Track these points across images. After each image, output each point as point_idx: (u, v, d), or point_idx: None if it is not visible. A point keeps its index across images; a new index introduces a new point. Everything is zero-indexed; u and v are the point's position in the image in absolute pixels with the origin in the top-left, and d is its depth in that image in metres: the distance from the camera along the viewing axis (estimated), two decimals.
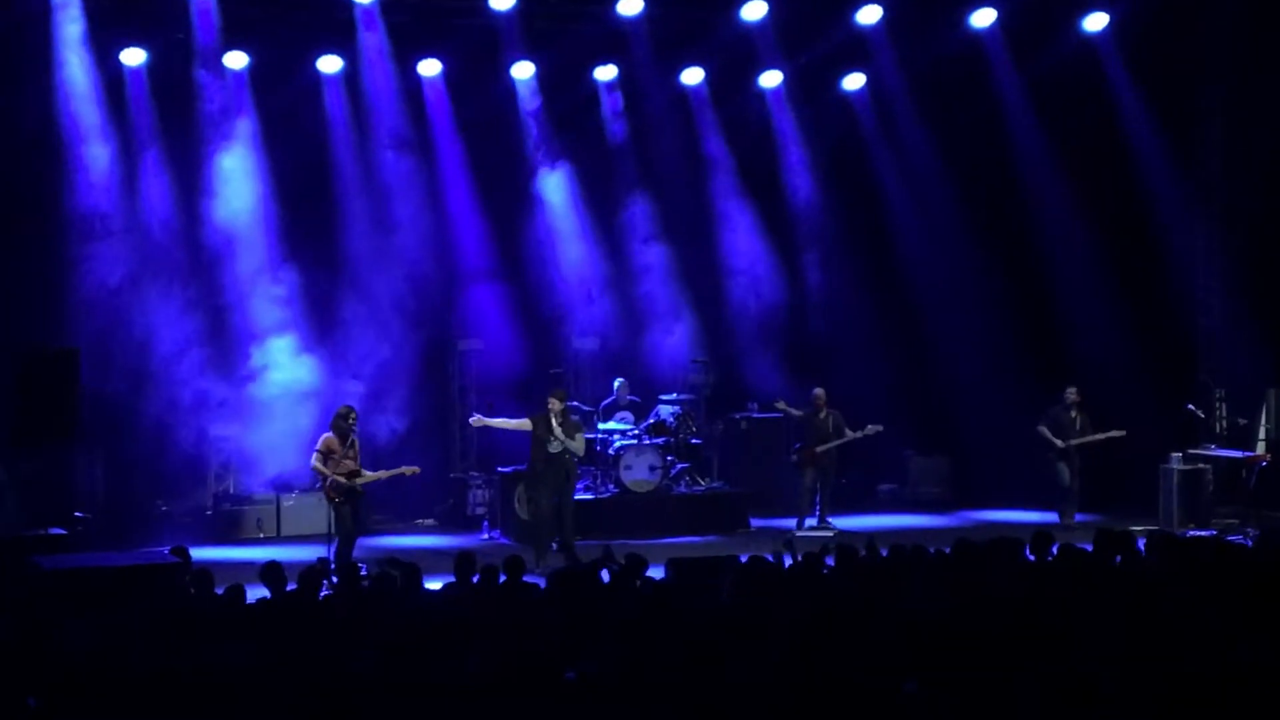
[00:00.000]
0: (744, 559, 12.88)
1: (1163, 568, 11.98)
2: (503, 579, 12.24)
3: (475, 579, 12.25)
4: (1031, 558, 12.87)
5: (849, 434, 21.36)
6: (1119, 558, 12.62)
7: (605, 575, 12.90)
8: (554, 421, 18.84)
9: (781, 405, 21.91)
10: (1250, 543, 15.73)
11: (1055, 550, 12.96)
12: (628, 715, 8.54)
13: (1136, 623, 9.63)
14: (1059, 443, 21.25)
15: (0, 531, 17.96)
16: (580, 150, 23.08)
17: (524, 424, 19.16)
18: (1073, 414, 21.44)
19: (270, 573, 12.21)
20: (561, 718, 8.37)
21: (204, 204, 20.99)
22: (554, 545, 18.84)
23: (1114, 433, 21.28)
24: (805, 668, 8.96)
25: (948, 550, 12.86)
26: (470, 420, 20.26)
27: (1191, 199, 23.50)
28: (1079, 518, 21.02)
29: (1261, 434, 22.09)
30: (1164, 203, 23.41)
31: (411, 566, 12.30)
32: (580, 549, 18.14)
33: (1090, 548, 13.06)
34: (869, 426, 21.39)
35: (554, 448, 18.83)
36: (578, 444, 19.15)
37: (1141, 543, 13.58)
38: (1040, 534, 13.11)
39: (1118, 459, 21.60)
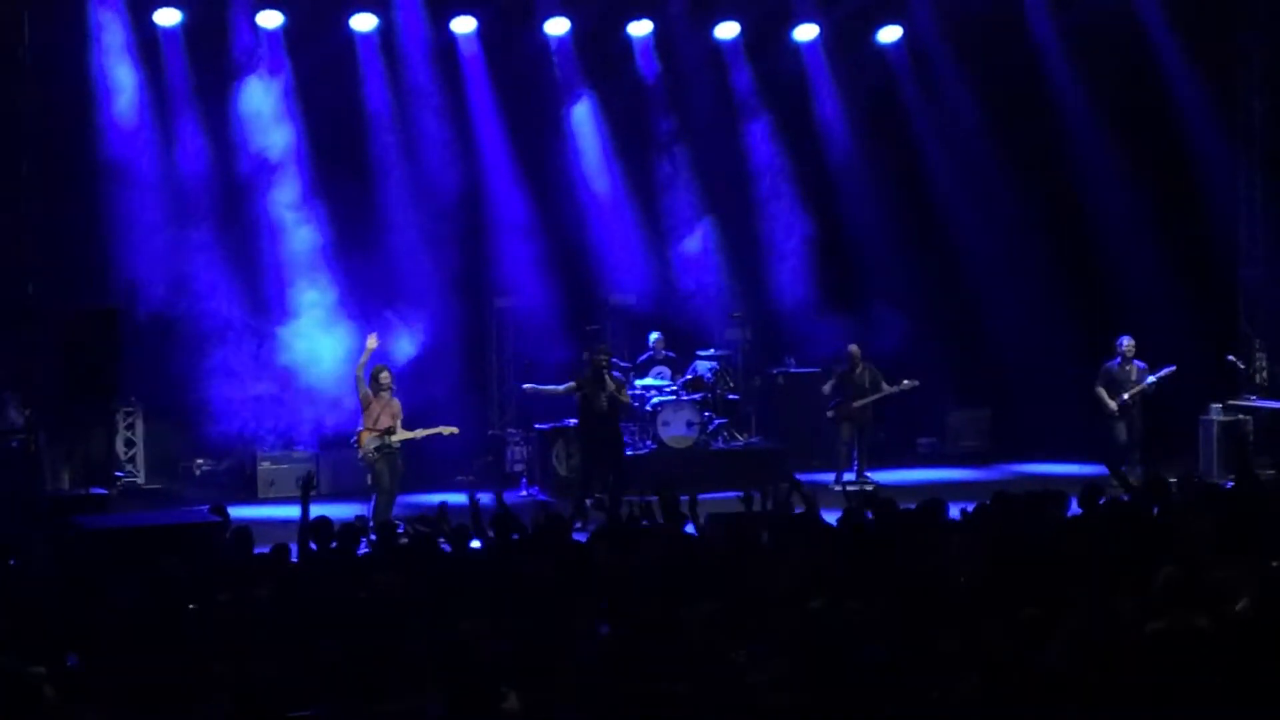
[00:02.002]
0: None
1: (1202, 517, 11.92)
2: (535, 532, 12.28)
3: (515, 536, 12.30)
4: (1079, 510, 12.81)
5: (885, 388, 21.32)
6: (1156, 508, 12.58)
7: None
8: (606, 379, 18.90)
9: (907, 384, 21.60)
10: None
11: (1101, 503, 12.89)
12: (665, 671, 8.55)
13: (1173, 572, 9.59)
14: (1112, 405, 20.24)
15: (41, 493, 18.12)
16: (615, 106, 23.01)
17: (571, 388, 19.18)
18: (1127, 367, 20.44)
19: (319, 528, 12.27)
20: (598, 673, 8.39)
21: (238, 161, 21.05)
22: (589, 502, 18.86)
23: (1165, 371, 20.36)
24: (841, 618, 8.97)
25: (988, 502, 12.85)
26: (524, 387, 20.29)
27: (1233, 146, 23.32)
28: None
29: None
30: (1205, 150, 23.26)
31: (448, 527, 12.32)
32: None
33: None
34: (905, 381, 21.33)
35: (604, 405, 18.88)
36: (624, 399, 19.23)
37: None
38: (1090, 487, 13.01)
39: (1158, 410, 21.27)
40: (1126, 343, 20.46)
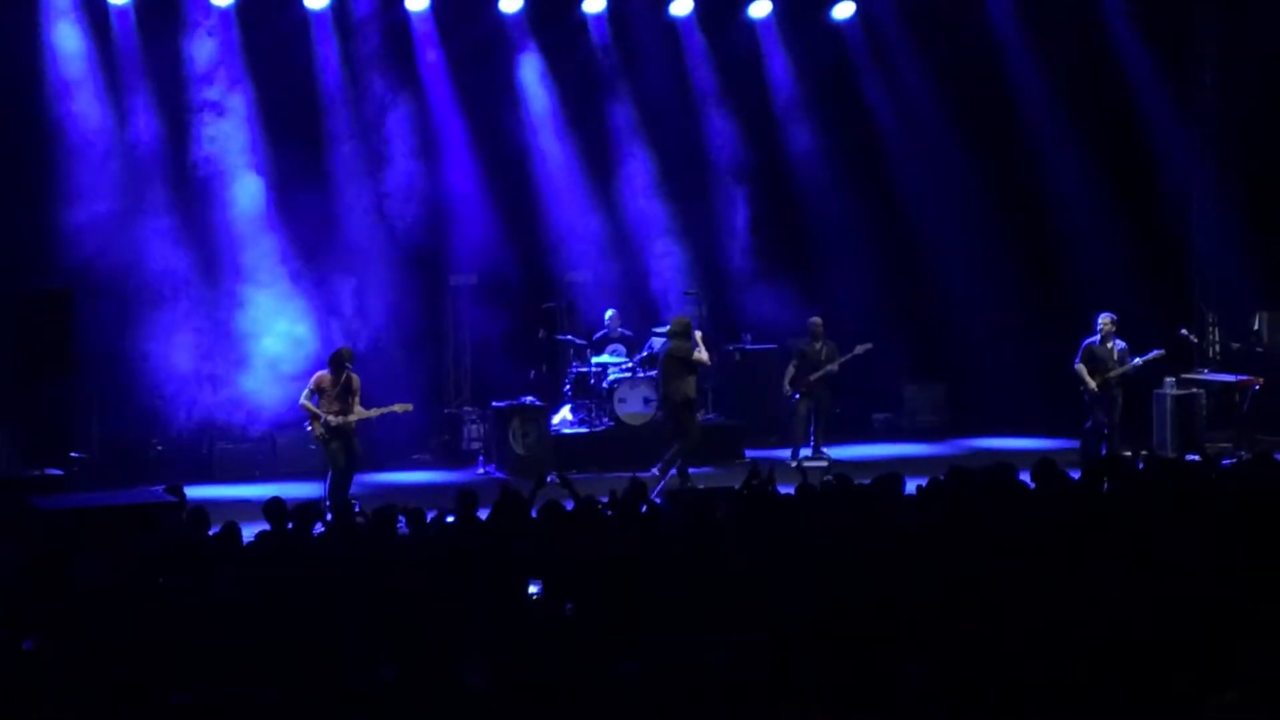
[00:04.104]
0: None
1: (1154, 492, 12.01)
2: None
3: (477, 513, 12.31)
4: (1032, 485, 12.84)
5: (838, 362, 21.17)
6: (1106, 483, 12.63)
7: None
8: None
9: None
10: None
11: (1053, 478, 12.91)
12: (624, 645, 8.58)
13: (1124, 547, 9.68)
14: (1092, 384, 19.51)
15: None
16: (569, 83, 22.99)
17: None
18: (1109, 345, 19.64)
19: (272, 508, 12.24)
20: (560, 650, 8.41)
21: (192, 139, 20.96)
22: (550, 478, 18.82)
23: (1153, 354, 19.66)
24: (805, 593, 9.02)
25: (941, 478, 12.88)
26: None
27: (1185, 120, 23.47)
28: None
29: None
30: (1158, 124, 23.40)
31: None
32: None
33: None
34: (858, 346, 21.18)
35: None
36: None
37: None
38: (1043, 462, 13.01)
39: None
40: (1105, 320, 19.70)
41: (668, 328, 19.17)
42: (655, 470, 18.56)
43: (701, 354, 18.82)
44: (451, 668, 7.93)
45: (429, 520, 12.02)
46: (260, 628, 9.06)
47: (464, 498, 12.35)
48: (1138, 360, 19.65)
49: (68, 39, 20.50)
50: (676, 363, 18.72)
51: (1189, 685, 7.68)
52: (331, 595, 9.57)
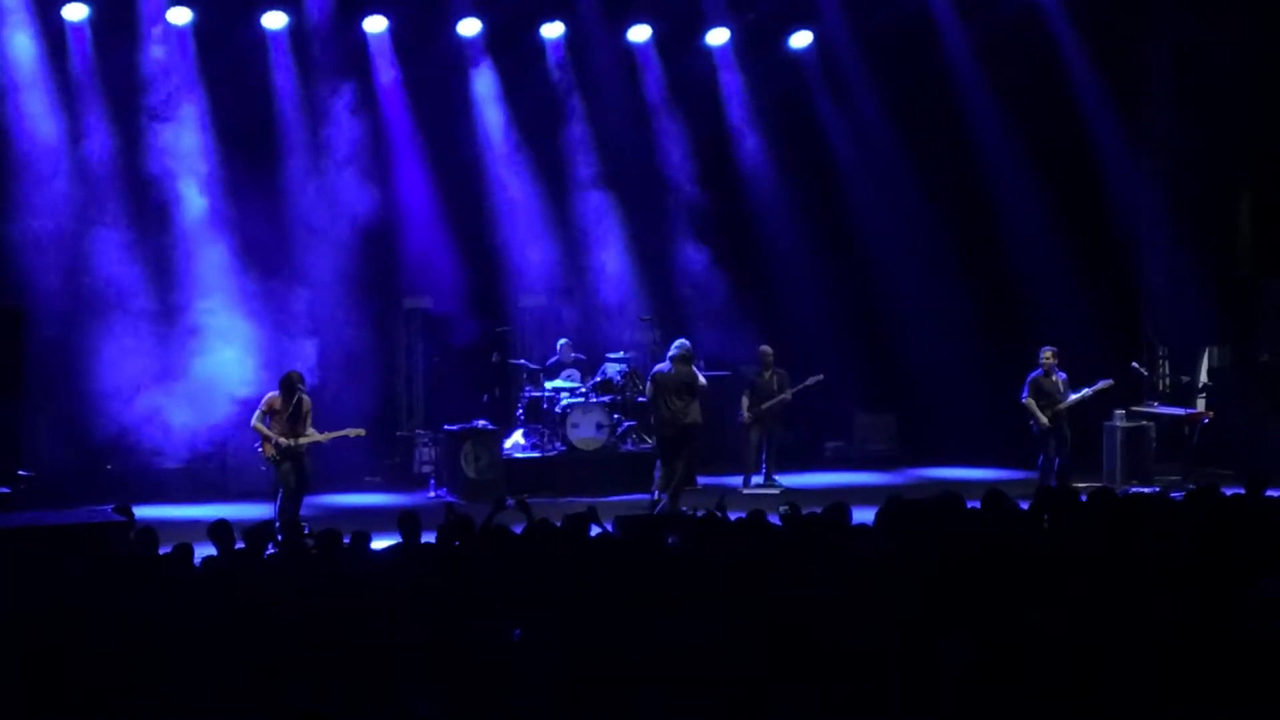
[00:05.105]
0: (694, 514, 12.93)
1: (1101, 524, 12.04)
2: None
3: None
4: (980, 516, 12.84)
5: (789, 391, 21.31)
6: (1047, 515, 12.65)
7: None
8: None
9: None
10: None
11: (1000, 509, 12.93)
12: (575, 673, 8.56)
13: (1067, 578, 9.72)
14: (1044, 419, 19.49)
15: None
16: (527, 107, 23.02)
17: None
18: (1053, 377, 19.70)
19: (218, 530, 12.13)
20: (508, 677, 8.38)
21: (145, 155, 20.89)
22: (510, 502, 18.75)
23: (1101, 384, 19.76)
24: (752, 619, 9.02)
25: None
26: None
27: (1136, 155, 23.63)
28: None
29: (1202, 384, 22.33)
30: (1110, 159, 23.53)
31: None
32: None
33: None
34: (809, 379, 21.33)
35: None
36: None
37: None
38: (992, 492, 13.03)
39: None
40: (1047, 353, 19.77)
41: (672, 353, 18.96)
42: (663, 500, 18.38)
43: (702, 380, 18.88)
44: (398, 694, 7.90)
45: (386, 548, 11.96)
46: (208, 648, 9.01)
47: (405, 520, 12.27)
48: (1086, 390, 19.74)
49: (21, 51, 20.43)
50: (685, 388, 18.69)
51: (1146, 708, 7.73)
52: (279, 616, 9.52)
